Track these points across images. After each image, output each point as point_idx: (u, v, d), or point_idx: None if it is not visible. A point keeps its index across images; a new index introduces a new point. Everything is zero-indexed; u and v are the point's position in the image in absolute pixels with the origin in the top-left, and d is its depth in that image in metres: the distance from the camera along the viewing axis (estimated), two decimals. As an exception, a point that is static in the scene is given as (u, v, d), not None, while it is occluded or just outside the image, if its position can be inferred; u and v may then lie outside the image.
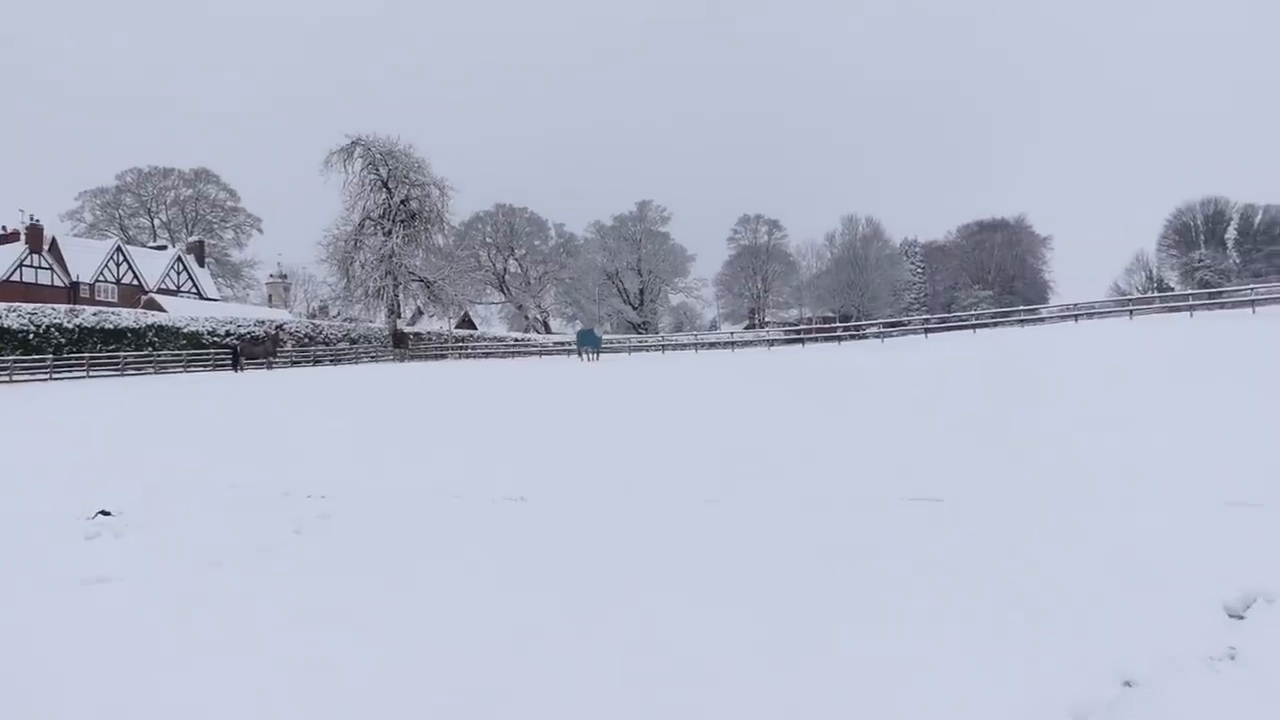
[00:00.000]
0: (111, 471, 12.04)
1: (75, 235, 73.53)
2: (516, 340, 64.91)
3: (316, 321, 58.72)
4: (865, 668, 4.22)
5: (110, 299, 63.32)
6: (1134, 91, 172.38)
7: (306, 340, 52.21)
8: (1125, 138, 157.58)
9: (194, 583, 6.02)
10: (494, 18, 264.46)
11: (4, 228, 63.62)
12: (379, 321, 57.90)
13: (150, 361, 43.10)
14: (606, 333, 72.83)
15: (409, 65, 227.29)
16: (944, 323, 49.26)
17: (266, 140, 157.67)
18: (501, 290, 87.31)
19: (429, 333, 62.19)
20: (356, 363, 49.94)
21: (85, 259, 64.70)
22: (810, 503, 8.55)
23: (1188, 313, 36.61)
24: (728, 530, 7.44)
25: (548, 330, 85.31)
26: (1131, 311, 40.48)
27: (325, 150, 53.93)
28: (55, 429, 18.48)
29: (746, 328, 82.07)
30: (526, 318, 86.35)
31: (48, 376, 37.90)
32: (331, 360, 50.54)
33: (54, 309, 42.31)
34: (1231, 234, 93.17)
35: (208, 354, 45.97)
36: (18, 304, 42.11)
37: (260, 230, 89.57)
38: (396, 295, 54.98)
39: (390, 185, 54.29)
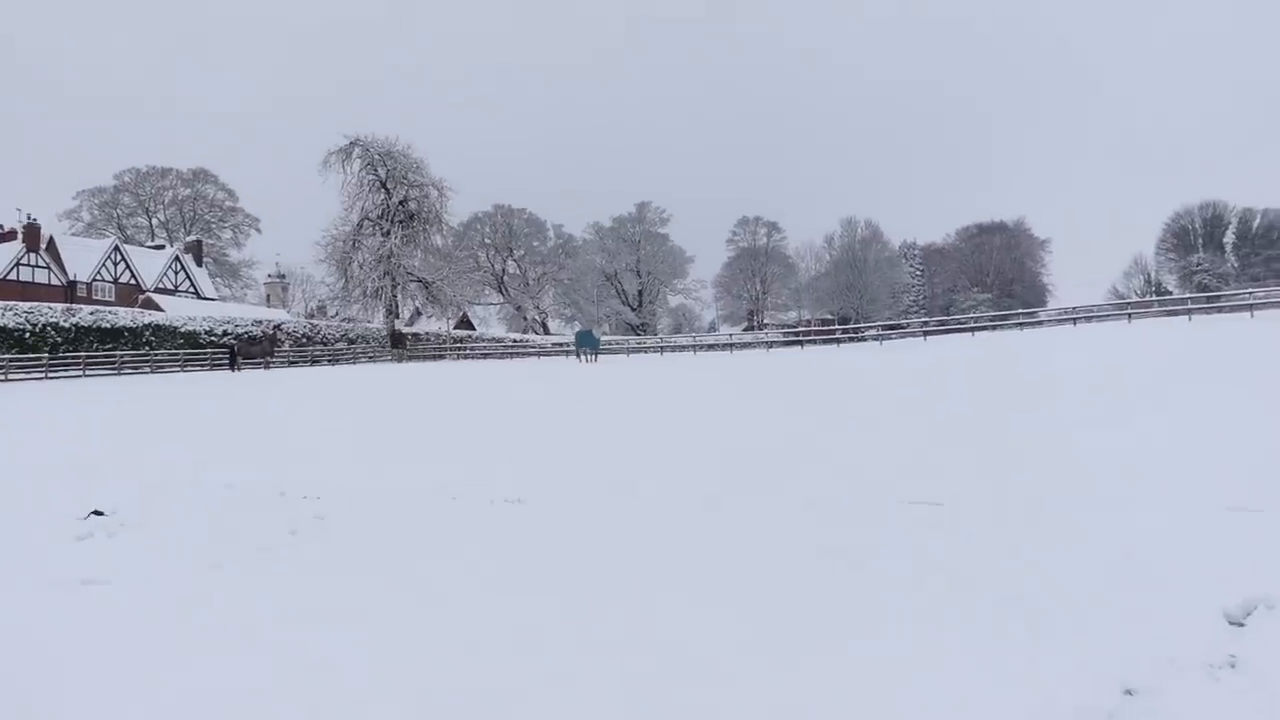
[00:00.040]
0: (106, 471, 11.97)
1: (73, 234, 73.36)
2: (515, 341, 64.84)
3: (314, 321, 58.63)
4: (865, 670, 4.19)
5: (108, 298, 63.20)
6: (1133, 95, 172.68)
7: (304, 340, 52.14)
8: (1124, 141, 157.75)
9: (187, 584, 5.98)
10: (493, 18, 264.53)
11: (1, 226, 63.47)
12: (377, 322, 57.83)
13: (147, 361, 42.99)
14: (605, 334, 72.84)
15: (408, 65, 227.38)
16: (943, 325, 49.23)
17: (265, 140, 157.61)
18: (500, 291, 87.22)
19: (427, 333, 62.12)
20: (354, 363, 49.87)
21: (83, 258, 64.56)
22: (810, 504, 8.51)
23: (1186, 317, 36.62)
24: (727, 531, 7.41)
25: (546, 331, 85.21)
26: (1130, 315, 40.47)
27: (324, 150, 53.93)
28: (50, 428, 18.41)
29: (745, 330, 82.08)
30: (525, 319, 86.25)
31: (43, 375, 37.80)
32: (329, 360, 50.46)
33: (50, 308, 42.23)
34: (1230, 238, 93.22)
35: (205, 354, 45.87)
36: (14, 303, 42.00)
37: (258, 230, 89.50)
38: (395, 296, 54.92)
39: (389, 186, 54.24)
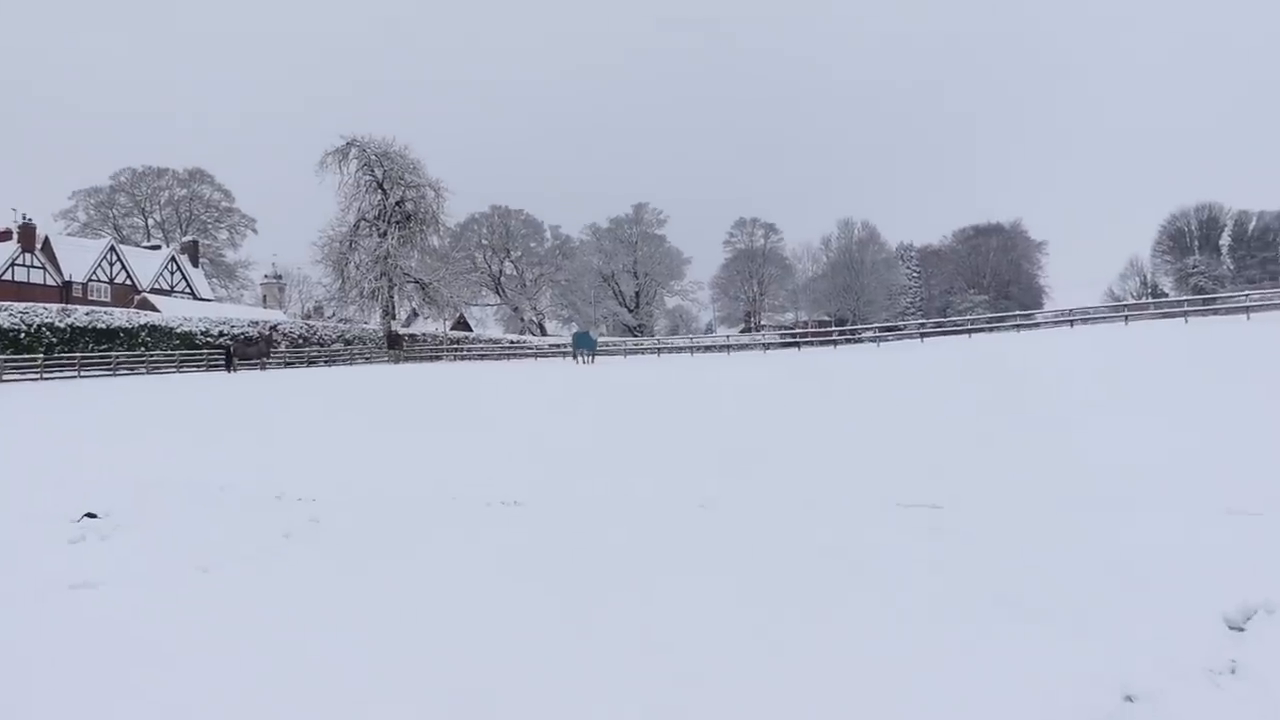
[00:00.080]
0: (100, 473, 11.92)
1: (68, 234, 73.14)
2: (512, 342, 64.72)
3: (311, 322, 58.45)
4: (864, 672, 4.16)
5: (103, 299, 63.00)
6: (1130, 97, 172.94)
7: (300, 341, 52.01)
8: (1120, 144, 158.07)
9: (178, 589, 5.92)
10: (492, 23, 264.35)
11: (-4, 226, 63.30)
12: (374, 323, 57.66)
13: (142, 361, 42.83)
14: (602, 335, 72.74)
15: (407, 68, 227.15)
16: (939, 327, 49.23)
17: (261, 141, 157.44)
18: (497, 292, 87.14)
19: (424, 334, 61.99)
20: (351, 364, 49.74)
21: (78, 258, 64.37)
22: (809, 505, 8.49)
23: (1183, 319, 36.63)
24: (725, 533, 7.38)
25: (543, 332, 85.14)
26: (1127, 317, 40.46)
27: (320, 150, 53.81)
28: (44, 429, 18.33)
29: (742, 331, 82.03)
30: (522, 320, 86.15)
31: (38, 376, 37.63)
32: (325, 361, 50.32)
33: (46, 308, 42.05)
34: (1226, 240, 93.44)
35: (201, 354, 45.73)
36: (9, 303, 41.82)
37: (255, 231, 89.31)
38: (391, 296, 54.79)
39: (385, 186, 54.13)
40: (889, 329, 52.74)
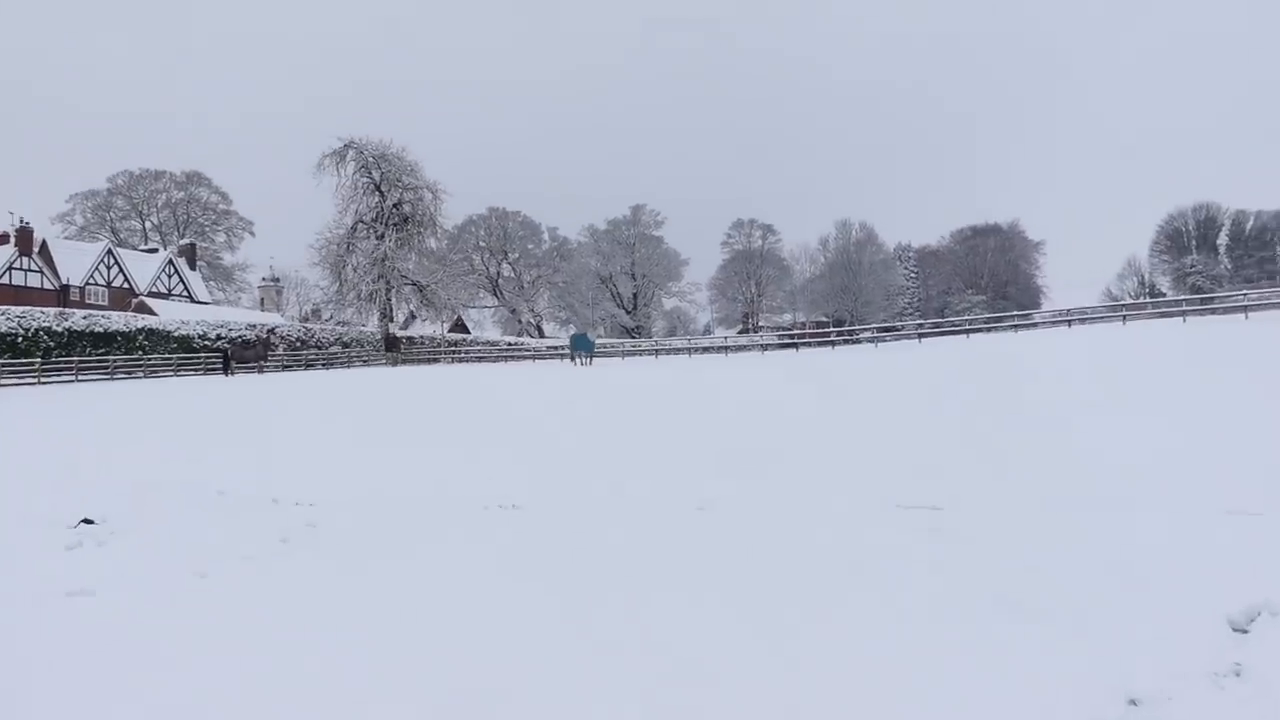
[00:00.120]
0: (97, 478, 11.88)
1: (66, 238, 72.99)
2: (510, 344, 64.64)
3: (308, 325, 58.34)
4: (863, 673, 4.14)
5: (101, 302, 62.86)
6: (1128, 98, 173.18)
7: (298, 344, 51.89)
8: (1118, 143, 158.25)
9: (174, 595, 5.88)
10: (492, 23, 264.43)
11: (-7, 230, 63.17)
12: (371, 325, 57.52)
13: (140, 365, 42.73)
14: (600, 337, 72.67)
15: (407, 68, 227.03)
16: (937, 328, 49.19)
17: (262, 142, 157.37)
18: (495, 294, 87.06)
19: (422, 337, 61.91)
20: (348, 367, 49.66)
21: (76, 262, 64.25)
22: (808, 507, 8.46)
23: (1181, 318, 36.62)
24: (725, 534, 7.35)
25: (541, 334, 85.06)
26: (1125, 317, 40.46)
27: (318, 153, 53.67)
28: (42, 434, 18.27)
29: (740, 332, 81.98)
30: (520, 322, 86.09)
31: (36, 380, 37.55)
32: (323, 364, 50.23)
33: (43, 312, 41.95)
34: (1223, 239, 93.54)
35: (198, 358, 45.62)
36: (6, 307, 41.68)
37: (252, 233, 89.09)
38: (389, 299, 54.68)
39: (383, 188, 54.03)
40: (887, 329, 52.69)
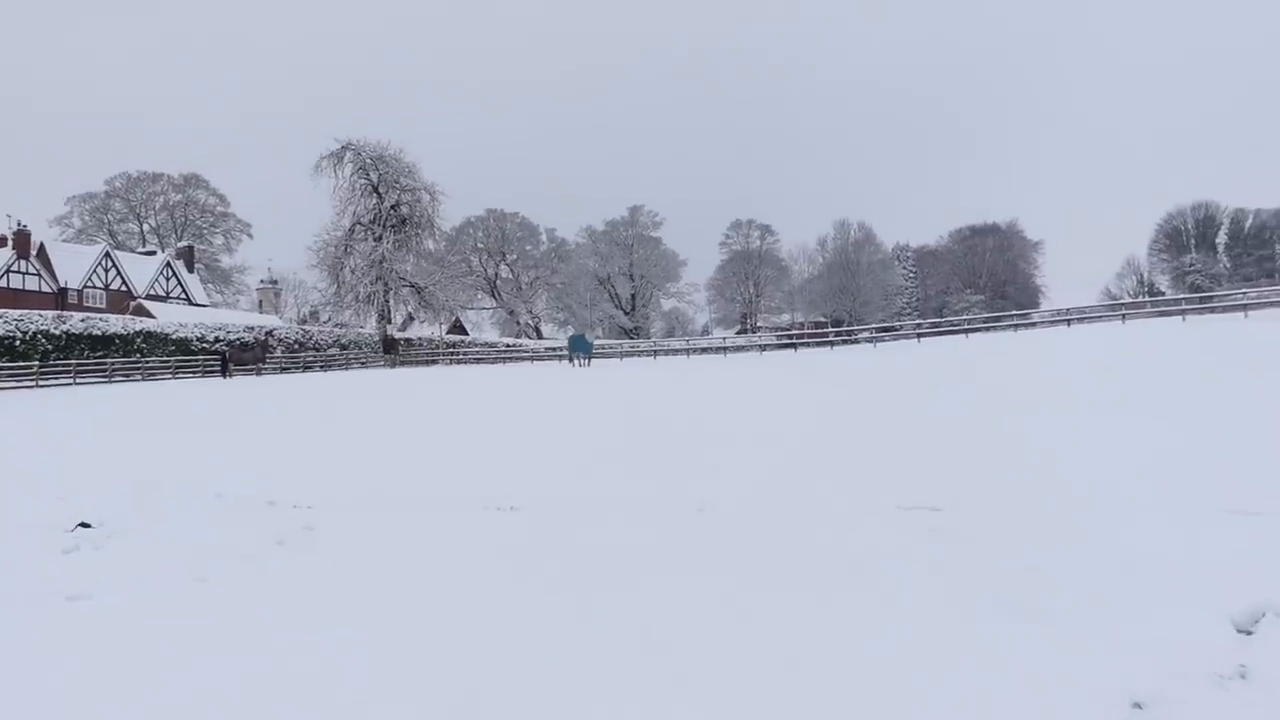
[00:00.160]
0: (95, 481, 11.83)
1: (64, 241, 73.01)
2: (508, 346, 64.64)
3: (306, 327, 58.30)
4: (862, 675, 4.11)
5: (99, 305, 62.85)
6: (1127, 98, 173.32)
7: (296, 346, 51.85)
8: (1117, 143, 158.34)
9: (170, 600, 5.84)
10: (492, 23, 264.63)
11: (-9, 233, 63.13)
12: (369, 327, 57.50)
13: (138, 368, 42.69)
14: (598, 338, 72.65)
15: (405, 70, 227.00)
16: (936, 328, 49.20)
17: (261, 142, 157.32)
18: (493, 295, 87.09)
19: (420, 338, 61.91)
20: (346, 369, 49.65)
21: (74, 265, 64.24)
22: (808, 507, 8.43)
23: (1180, 317, 36.62)
24: (724, 535, 7.33)
25: (539, 336, 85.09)
26: (1124, 316, 40.48)
27: (316, 154, 53.65)
28: (39, 437, 18.23)
29: (739, 333, 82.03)
30: (518, 323, 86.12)
31: (34, 384, 37.53)
32: (321, 366, 50.22)
33: (41, 315, 41.89)
34: (1222, 238, 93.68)
35: (196, 360, 45.58)
36: (4, 310, 41.63)
37: (250, 236, 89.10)
38: (387, 301, 54.65)
39: (381, 190, 53.97)
40: (885, 330, 52.67)
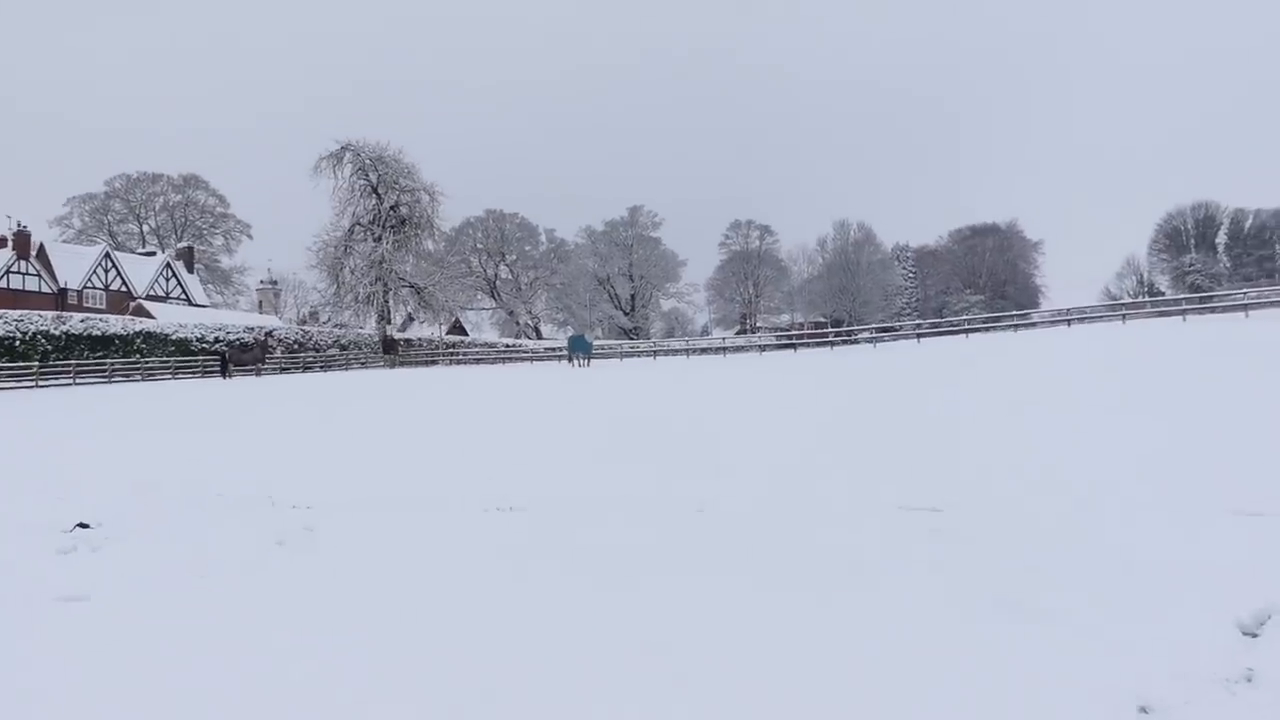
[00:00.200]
0: (93, 481, 11.81)
1: (63, 241, 73.03)
2: (507, 346, 64.63)
3: (306, 328, 58.33)
4: (861, 676, 4.08)
5: (99, 305, 62.87)
6: (1127, 97, 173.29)
7: (296, 347, 51.85)
8: (1117, 142, 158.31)
9: (169, 601, 5.80)
10: (492, 23, 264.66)
11: (-10, 233, 63.12)
12: (369, 328, 57.51)
13: (138, 368, 42.70)
14: (598, 338, 72.65)
15: (405, 70, 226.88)
16: (936, 328, 49.19)
17: (261, 142, 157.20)
18: (492, 296, 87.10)
19: (419, 339, 61.94)
20: (346, 369, 49.67)
21: (73, 265, 64.26)
22: (808, 508, 8.41)
23: (1180, 317, 36.63)
24: (724, 536, 7.30)
25: (539, 336, 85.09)
26: (1124, 316, 40.50)
27: (316, 155, 53.66)
28: (37, 437, 18.21)
29: (738, 333, 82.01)
30: (518, 323, 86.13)
31: (34, 384, 37.54)
32: (321, 367, 50.24)
33: (41, 315, 41.89)
34: (1222, 238, 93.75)
35: (196, 361, 45.59)
36: (4, 310, 41.65)
37: (250, 236, 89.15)
38: (386, 301, 54.68)
39: (380, 190, 53.99)
40: (885, 330, 52.72)
